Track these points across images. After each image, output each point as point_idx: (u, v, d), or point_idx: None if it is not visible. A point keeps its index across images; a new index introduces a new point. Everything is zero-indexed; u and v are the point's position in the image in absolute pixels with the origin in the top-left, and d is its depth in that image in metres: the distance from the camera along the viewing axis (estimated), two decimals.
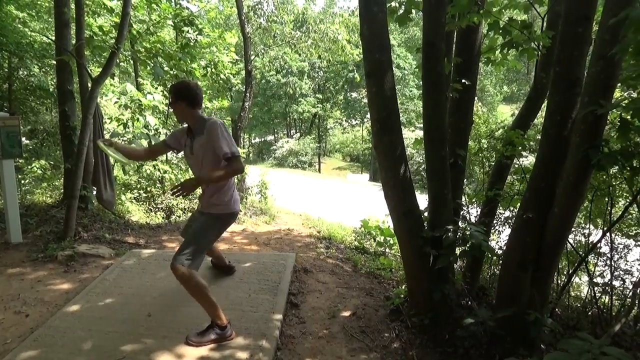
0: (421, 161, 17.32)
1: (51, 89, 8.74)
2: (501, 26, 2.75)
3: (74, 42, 4.91)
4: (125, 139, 6.01)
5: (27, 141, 9.20)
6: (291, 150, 27.62)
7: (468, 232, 2.54)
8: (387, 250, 5.04)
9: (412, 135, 17.83)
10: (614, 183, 3.00)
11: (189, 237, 2.58)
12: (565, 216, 2.30)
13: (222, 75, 7.63)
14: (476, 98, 3.30)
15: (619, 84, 2.20)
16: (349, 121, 35.18)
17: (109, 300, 3.08)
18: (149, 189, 6.68)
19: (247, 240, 5.11)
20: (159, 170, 6.50)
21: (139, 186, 6.74)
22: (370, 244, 5.28)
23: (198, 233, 2.58)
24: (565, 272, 3.32)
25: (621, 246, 3.20)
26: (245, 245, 4.84)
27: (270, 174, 8.41)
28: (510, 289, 2.53)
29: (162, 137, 7.65)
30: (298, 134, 33.59)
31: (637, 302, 2.73)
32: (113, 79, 7.61)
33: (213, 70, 7.52)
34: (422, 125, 2.68)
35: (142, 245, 4.56)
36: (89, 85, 4.71)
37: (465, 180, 3.45)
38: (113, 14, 6.13)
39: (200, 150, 2.53)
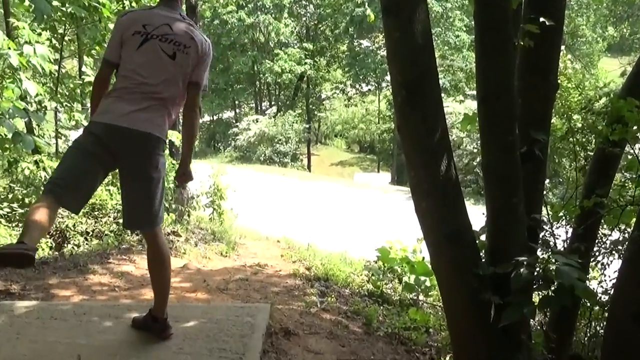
0: (476, 151, 17.36)
1: None
2: None
3: None
4: None
5: None
6: (263, 135, 27.57)
7: (553, 267, 2.54)
8: (422, 297, 5.06)
9: (459, 108, 17.95)
10: None
11: None
12: None
13: None
14: (563, 47, 3.33)
15: None
16: (357, 87, 35.30)
17: None
18: (27, 200, 6.62)
19: (189, 283, 5.09)
20: (44, 169, 6.46)
21: (10, 196, 6.67)
22: (394, 288, 5.30)
23: None
24: None
25: None
26: (187, 292, 4.83)
27: (228, 174, 8.44)
28: (622, 355, 2.54)
29: (50, 113, 7.60)
30: (274, 109, 33.62)
31: None
32: None
33: (133, 5, 7.49)
34: (474, 93, 2.69)
35: (15, 294, 4.53)
36: None
37: (547, 181, 3.47)
38: None
39: None
